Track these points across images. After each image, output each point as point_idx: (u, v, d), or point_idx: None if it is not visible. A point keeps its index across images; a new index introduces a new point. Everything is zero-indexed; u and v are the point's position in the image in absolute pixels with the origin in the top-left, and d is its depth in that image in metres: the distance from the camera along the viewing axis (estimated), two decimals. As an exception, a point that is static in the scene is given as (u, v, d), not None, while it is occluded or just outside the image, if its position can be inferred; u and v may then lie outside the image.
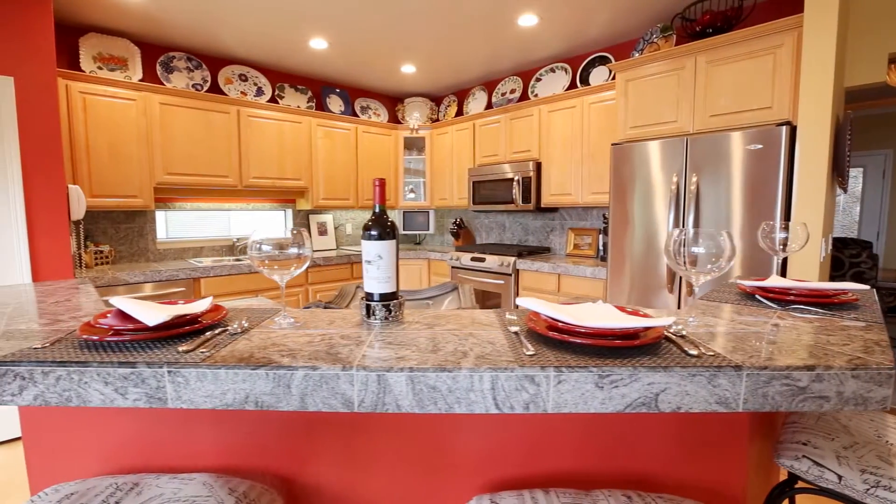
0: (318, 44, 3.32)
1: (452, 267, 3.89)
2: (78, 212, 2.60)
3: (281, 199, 4.06)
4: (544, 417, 0.96)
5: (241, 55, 3.55)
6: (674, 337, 0.84)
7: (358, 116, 4.38)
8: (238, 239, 3.79)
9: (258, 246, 0.92)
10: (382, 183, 0.96)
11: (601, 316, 0.88)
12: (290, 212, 4.15)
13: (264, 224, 4.06)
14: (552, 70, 3.71)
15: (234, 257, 3.69)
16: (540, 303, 0.91)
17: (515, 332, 0.88)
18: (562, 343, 0.82)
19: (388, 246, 0.94)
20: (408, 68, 3.90)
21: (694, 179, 2.39)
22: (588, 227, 3.64)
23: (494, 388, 0.72)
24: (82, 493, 0.87)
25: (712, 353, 0.77)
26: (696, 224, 2.40)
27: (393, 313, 0.96)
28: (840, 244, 3.86)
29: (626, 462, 0.97)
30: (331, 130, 4.00)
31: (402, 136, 4.47)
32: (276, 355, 0.77)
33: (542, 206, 3.58)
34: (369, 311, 0.96)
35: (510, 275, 3.44)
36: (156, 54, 3.31)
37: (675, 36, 2.78)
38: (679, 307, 2.52)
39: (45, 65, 2.39)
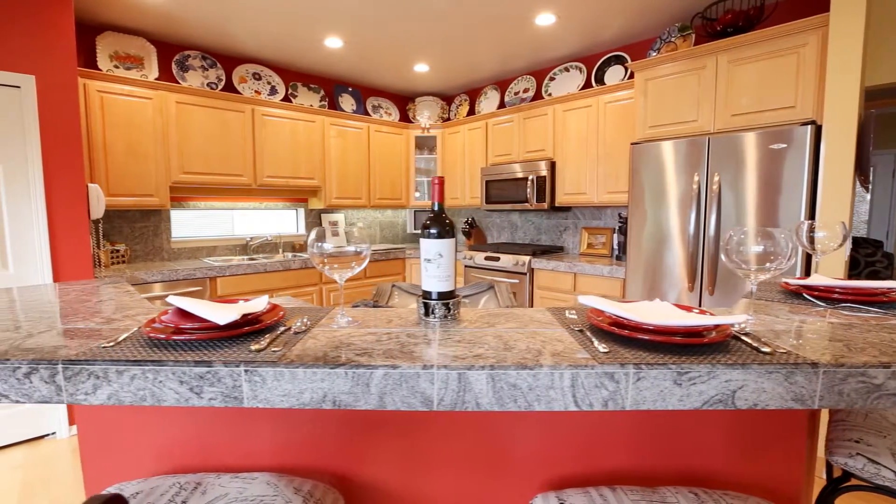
0: (334, 42, 3.31)
1: (466, 266, 3.89)
2: (97, 211, 2.59)
3: (293, 199, 4.05)
4: (599, 415, 0.96)
5: (256, 54, 3.54)
6: (741, 335, 0.84)
7: (370, 115, 4.37)
8: (251, 238, 3.78)
9: (320, 244, 0.91)
10: (441, 181, 0.96)
11: (664, 314, 0.88)
12: (301, 211, 4.14)
13: (277, 223, 4.05)
14: (566, 69, 3.71)
15: (248, 256, 3.68)
16: (602, 300, 0.91)
17: (580, 330, 0.88)
18: (630, 340, 0.82)
19: (448, 244, 0.94)
20: (421, 67, 3.89)
21: (716, 179, 2.39)
22: (602, 227, 3.65)
23: (574, 386, 0.72)
24: (147, 492, 0.87)
25: (784, 351, 0.77)
26: (718, 224, 2.41)
27: (451, 312, 0.96)
28: (854, 243, 3.88)
29: (682, 459, 0.97)
30: (343, 129, 4.00)
31: (413, 136, 4.47)
32: (352, 354, 0.76)
33: (557, 205, 3.59)
34: (428, 310, 0.96)
35: (525, 274, 3.44)
36: (171, 53, 3.30)
37: (693, 35, 2.78)
38: (699, 305, 2.52)
39: (65, 63, 2.38)
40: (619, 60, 3.40)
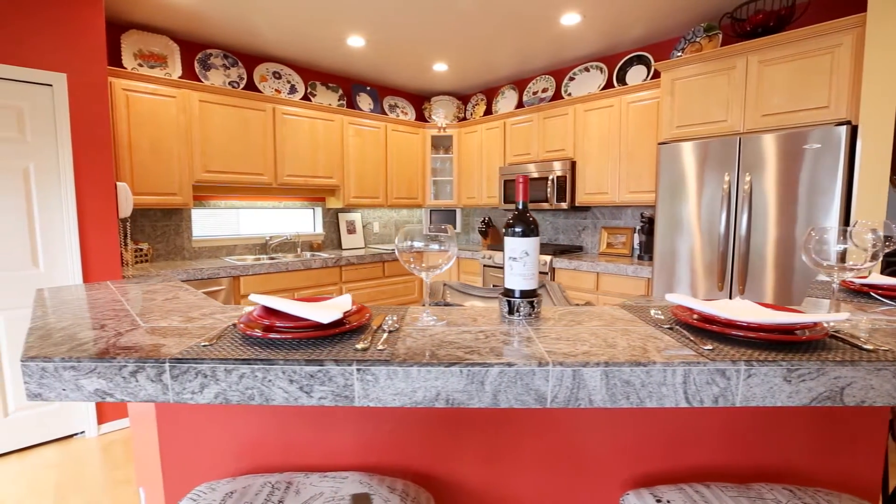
0: (356, 41, 3.31)
1: (485, 266, 3.89)
2: (125, 209, 2.58)
3: (311, 198, 4.04)
4: (683, 411, 0.97)
5: (277, 53, 3.53)
6: (836, 333, 0.85)
7: (387, 115, 4.37)
8: (271, 237, 3.77)
9: (409, 242, 0.91)
10: (526, 180, 0.96)
11: (754, 311, 0.88)
12: (319, 210, 4.13)
13: (295, 222, 4.04)
14: (586, 69, 3.72)
15: (269, 255, 3.67)
16: (689, 298, 0.92)
17: (670, 327, 0.89)
18: (724, 336, 0.82)
19: (533, 242, 0.94)
20: (440, 66, 3.89)
21: (747, 179, 2.40)
22: (622, 226, 3.66)
23: (686, 382, 0.72)
24: (241, 491, 0.86)
25: (887, 348, 0.78)
26: (749, 223, 2.42)
27: (535, 310, 0.97)
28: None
29: (765, 454, 0.98)
30: (361, 129, 3.99)
31: (429, 135, 4.47)
32: (461, 353, 0.77)
33: (577, 204, 3.59)
34: (512, 308, 0.96)
35: (546, 273, 3.44)
36: (194, 52, 3.29)
37: (721, 35, 2.80)
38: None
39: (96, 62, 2.37)
40: (642, 60, 3.41)
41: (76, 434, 2.51)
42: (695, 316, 0.89)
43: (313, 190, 3.98)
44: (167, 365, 0.75)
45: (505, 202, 3.98)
